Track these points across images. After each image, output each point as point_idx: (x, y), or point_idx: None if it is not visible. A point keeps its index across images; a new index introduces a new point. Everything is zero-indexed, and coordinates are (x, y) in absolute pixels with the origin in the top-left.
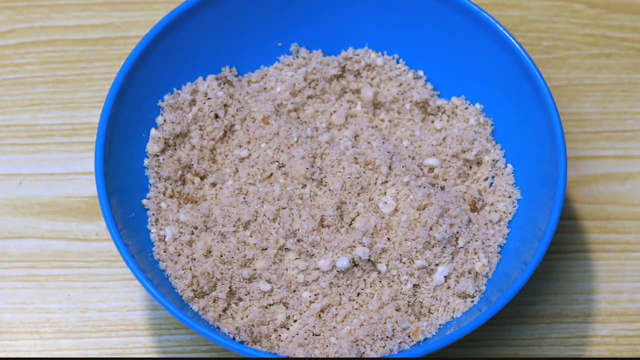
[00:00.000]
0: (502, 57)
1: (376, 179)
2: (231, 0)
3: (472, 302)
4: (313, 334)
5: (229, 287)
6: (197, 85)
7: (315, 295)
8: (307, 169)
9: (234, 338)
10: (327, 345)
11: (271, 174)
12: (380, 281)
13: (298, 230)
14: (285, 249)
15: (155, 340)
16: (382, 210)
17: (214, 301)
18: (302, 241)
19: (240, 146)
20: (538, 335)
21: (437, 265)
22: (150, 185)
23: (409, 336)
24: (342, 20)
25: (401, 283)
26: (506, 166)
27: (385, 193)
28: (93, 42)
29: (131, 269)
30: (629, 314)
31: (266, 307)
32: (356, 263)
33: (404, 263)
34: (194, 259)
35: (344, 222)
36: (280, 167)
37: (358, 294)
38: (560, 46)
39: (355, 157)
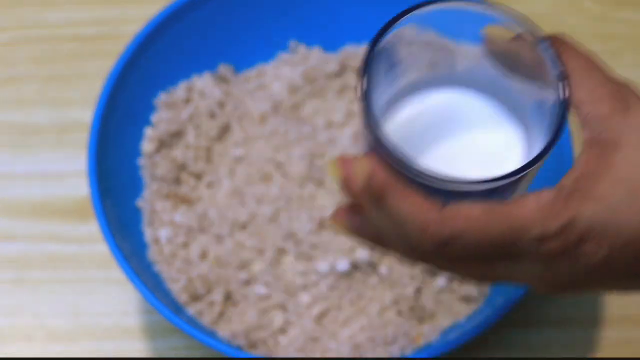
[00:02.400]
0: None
1: None
2: None
3: (476, 305)
4: (312, 339)
5: (226, 291)
6: (192, 83)
7: (314, 298)
8: (305, 168)
9: (230, 343)
10: (326, 350)
11: (269, 174)
12: (381, 284)
13: (296, 232)
14: (283, 251)
15: (150, 344)
16: None
17: (210, 305)
18: (300, 243)
19: (236, 145)
20: (544, 339)
21: None
22: (145, 185)
23: (411, 341)
24: (342, 17)
25: (403, 286)
26: None
27: None
28: (87, 39)
29: (125, 271)
30: (638, 318)
31: (263, 311)
32: (356, 265)
33: (406, 266)
34: (190, 262)
35: None
36: (278, 166)
37: (358, 297)
38: None
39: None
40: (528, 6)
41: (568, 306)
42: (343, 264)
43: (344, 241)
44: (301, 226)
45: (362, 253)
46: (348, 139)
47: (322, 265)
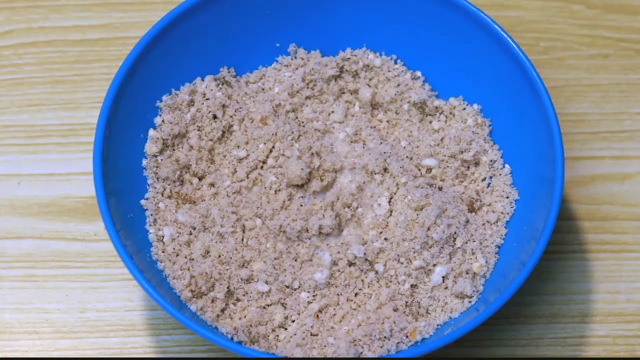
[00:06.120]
0: (500, 57)
1: (374, 178)
2: (230, 1)
3: (470, 302)
4: (311, 334)
5: (227, 288)
6: (195, 86)
7: (313, 295)
8: (305, 169)
9: (232, 338)
10: (324, 346)
11: (269, 175)
12: (378, 281)
13: (296, 231)
14: (283, 249)
15: (154, 340)
16: (379, 210)
17: (212, 301)
18: (300, 241)
19: (238, 147)
20: (535, 335)
21: (434, 265)
22: (149, 185)
23: (407, 336)
24: (340, 21)
25: (399, 283)
26: (504, 167)
27: (383, 193)
28: (92, 43)
29: (129, 269)
30: (626, 314)
31: (264, 308)
32: (354, 263)
33: (402, 263)
34: (192, 259)
35: (341, 221)
36: (278, 167)
37: (356, 294)
38: (558, 47)
39: (353, 158)
40: (518, 11)
41: (559, 303)
42: (341, 262)
43: (342, 240)
44: (300, 225)
45: (357, 249)
46: (346, 140)
47: (321, 263)
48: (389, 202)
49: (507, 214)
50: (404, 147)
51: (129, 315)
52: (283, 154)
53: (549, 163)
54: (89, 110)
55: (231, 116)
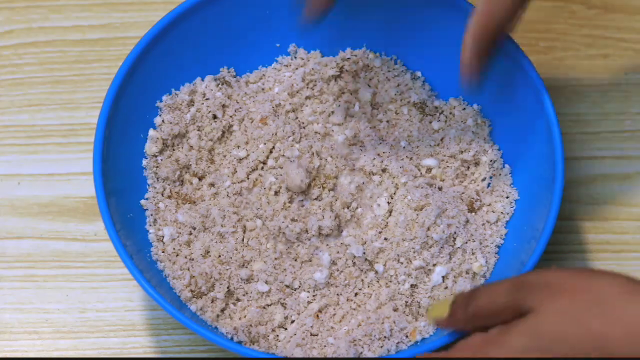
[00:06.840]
0: (499, 57)
1: (373, 179)
2: (230, 1)
3: None
4: (311, 334)
5: (227, 288)
6: (195, 86)
7: (313, 295)
8: (304, 170)
9: (232, 338)
10: (324, 346)
11: (269, 175)
12: (378, 281)
13: (296, 231)
14: (283, 249)
15: (154, 340)
16: (379, 210)
17: (212, 301)
18: (300, 242)
19: (238, 147)
20: None
21: (434, 265)
22: (149, 185)
23: (407, 336)
24: (340, 21)
25: (399, 283)
26: (504, 167)
27: (382, 194)
28: (92, 43)
29: (129, 269)
30: None
31: (264, 308)
32: (353, 263)
33: (402, 263)
34: (192, 259)
35: (341, 222)
36: (278, 168)
37: (356, 294)
38: (558, 47)
39: (352, 160)
40: None
41: None
42: (340, 262)
43: (341, 240)
44: (300, 228)
45: (356, 249)
46: (345, 143)
47: (321, 263)
48: (389, 202)
49: (507, 214)
50: (404, 148)
51: (129, 315)
52: (283, 155)
53: (549, 163)
54: (89, 110)
55: (231, 116)
